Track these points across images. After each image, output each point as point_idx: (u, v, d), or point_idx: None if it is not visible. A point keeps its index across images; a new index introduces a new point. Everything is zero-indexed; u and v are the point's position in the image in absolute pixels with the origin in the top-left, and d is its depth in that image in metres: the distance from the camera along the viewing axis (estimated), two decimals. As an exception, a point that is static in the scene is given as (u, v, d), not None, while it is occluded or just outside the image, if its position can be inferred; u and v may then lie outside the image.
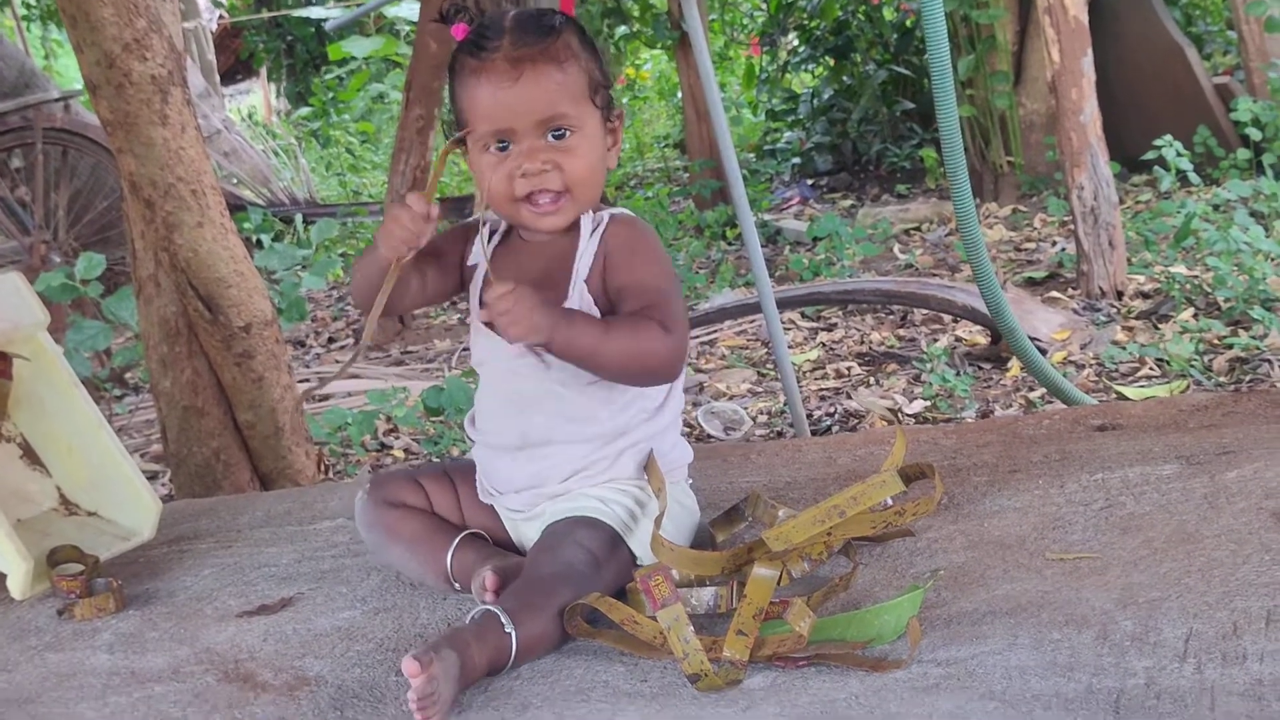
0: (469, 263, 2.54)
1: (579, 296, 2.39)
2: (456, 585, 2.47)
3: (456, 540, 2.48)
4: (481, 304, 2.40)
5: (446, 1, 2.44)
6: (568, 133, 2.36)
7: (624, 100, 14.05)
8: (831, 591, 2.26)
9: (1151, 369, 5.15)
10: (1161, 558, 2.24)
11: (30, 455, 3.00)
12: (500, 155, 2.37)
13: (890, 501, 2.43)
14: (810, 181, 10.20)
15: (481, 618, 2.12)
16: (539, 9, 2.43)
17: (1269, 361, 4.99)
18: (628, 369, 2.35)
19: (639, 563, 2.35)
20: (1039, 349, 4.48)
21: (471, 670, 2.05)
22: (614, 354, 2.30)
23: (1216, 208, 6.87)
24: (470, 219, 2.53)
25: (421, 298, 2.49)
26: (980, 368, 5.50)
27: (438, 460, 5.12)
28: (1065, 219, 7.31)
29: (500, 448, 2.50)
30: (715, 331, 6.47)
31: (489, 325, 2.34)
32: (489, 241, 2.51)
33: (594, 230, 2.42)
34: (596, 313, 2.38)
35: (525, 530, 2.48)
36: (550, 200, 2.37)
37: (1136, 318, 5.80)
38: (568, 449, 2.44)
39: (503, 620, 2.11)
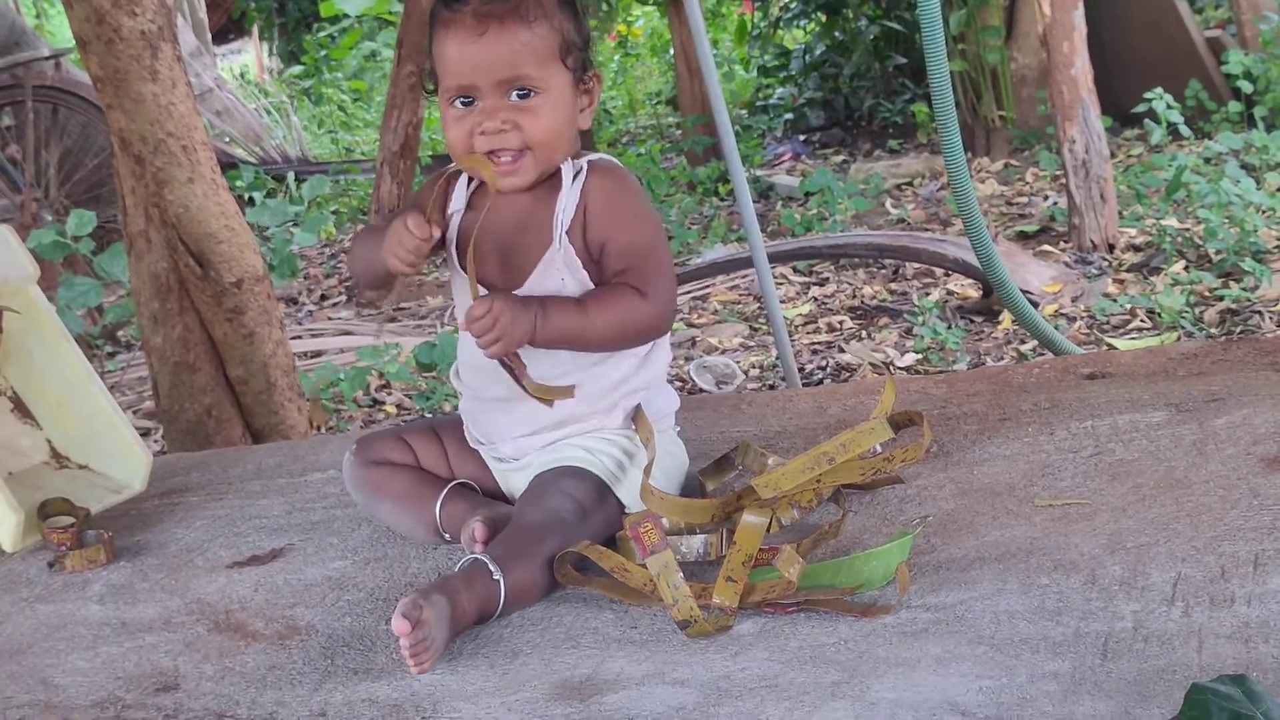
0: (450, 209, 2.52)
1: (563, 250, 2.37)
2: (446, 536, 2.47)
3: (444, 491, 2.48)
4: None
5: None
6: (531, 93, 2.33)
7: (616, 57, 14.03)
8: (821, 538, 2.27)
9: (1143, 321, 5.16)
10: (1150, 504, 2.24)
11: (21, 409, 3.00)
12: (463, 111, 2.34)
13: (879, 449, 2.44)
14: (802, 137, 10.19)
15: (470, 566, 2.13)
16: None
17: (1260, 313, 5.00)
18: (613, 341, 2.37)
19: (627, 512, 2.36)
20: (1030, 302, 4.49)
21: (462, 617, 2.05)
22: (597, 333, 2.32)
23: (1208, 160, 6.87)
24: (447, 169, 2.52)
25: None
26: (972, 321, 5.50)
27: (429, 415, 5.13)
28: (1057, 173, 7.31)
29: (488, 400, 2.49)
30: (707, 286, 6.47)
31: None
32: (468, 189, 2.49)
33: (574, 177, 2.40)
34: (579, 263, 2.37)
35: (514, 480, 2.48)
36: (510, 159, 2.34)
37: (1128, 270, 5.80)
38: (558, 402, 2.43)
39: (491, 568, 2.11)
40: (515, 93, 2.32)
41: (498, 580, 2.11)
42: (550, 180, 2.40)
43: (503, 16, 2.29)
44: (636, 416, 2.42)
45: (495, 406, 2.48)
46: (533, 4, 2.31)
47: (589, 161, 2.42)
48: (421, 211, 2.31)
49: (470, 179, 2.49)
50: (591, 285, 2.37)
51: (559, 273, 2.36)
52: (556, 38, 2.34)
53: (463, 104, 2.34)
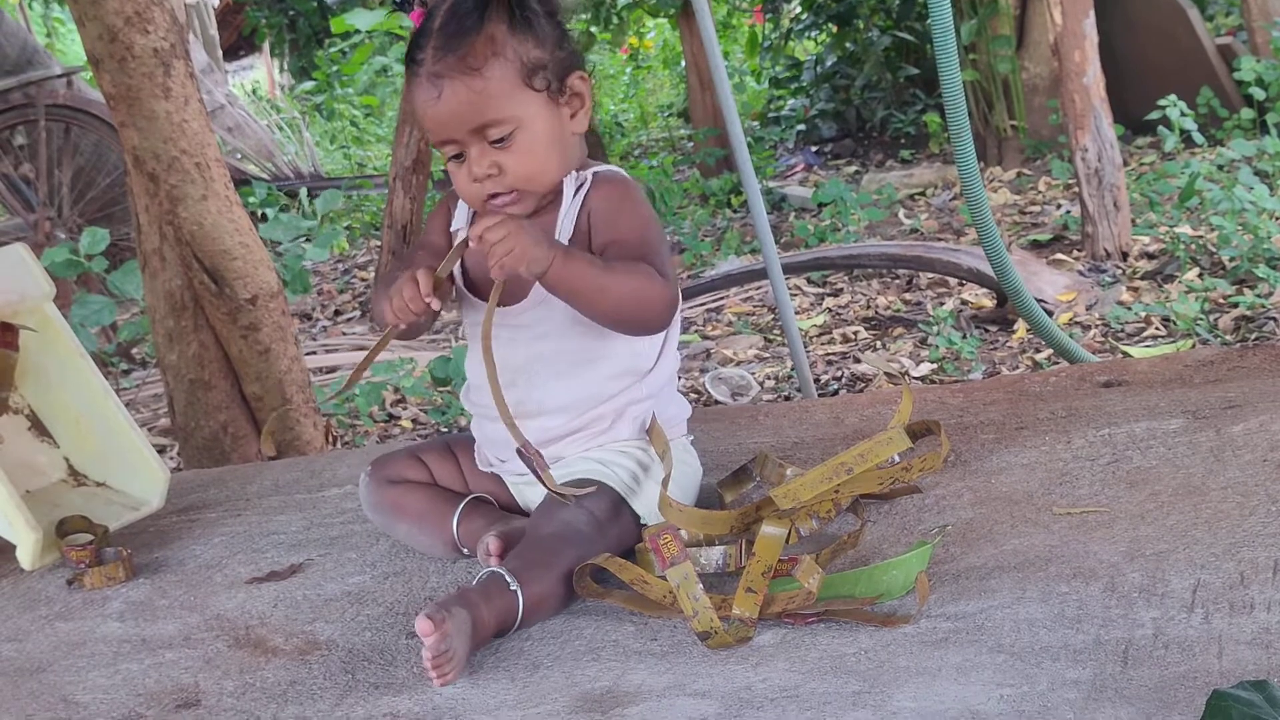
0: (452, 228, 2.52)
1: None
2: (465, 551, 2.47)
3: (461, 506, 2.48)
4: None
5: None
6: (505, 135, 2.31)
7: (628, 70, 14.04)
8: (840, 548, 2.26)
9: (1157, 329, 5.15)
10: (1168, 511, 2.24)
11: (38, 427, 3.01)
12: (457, 164, 2.35)
13: (897, 458, 2.44)
14: (814, 148, 10.20)
15: (487, 579, 2.13)
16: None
17: (1274, 319, 4.98)
18: (623, 309, 2.29)
19: (643, 523, 2.36)
20: (1045, 310, 4.48)
21: (482, 629, 2.05)
22: (613, 291, 2.26)
23: (1221, 168, 6.86)
24: (450, 192, 2.52)
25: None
26: (986, 330, 5.50)
27: (445, 430, 5.13)
28: (1069, 181, 7.30)
29: (497, 418, 2.48)
30: (722, 298, 6.47)
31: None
32: (469, 210, 2.48)
33: (576, 191, 2.39)
34: None
35: (530, 494, 2.48)
36: (507, 199, 2.34)
37: (1142, 278, 5.79)
38: (562, 415, 2.43)
39: (507, 580, 2.11)
40: (491, 137, 2.31)
41: (514, 592, 2.10)
42: (554, 193, 2.40)
43: (451, 74, 2.28)
44: (651, 429, 2.42)
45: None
46: (479, 47, 2.29)
47: (595, 174, 2.41)
48: (431, 270, 2.29)
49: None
50: None
51: None
52: (514, 67, 2.30)
53: (454, 158, 2.35)
